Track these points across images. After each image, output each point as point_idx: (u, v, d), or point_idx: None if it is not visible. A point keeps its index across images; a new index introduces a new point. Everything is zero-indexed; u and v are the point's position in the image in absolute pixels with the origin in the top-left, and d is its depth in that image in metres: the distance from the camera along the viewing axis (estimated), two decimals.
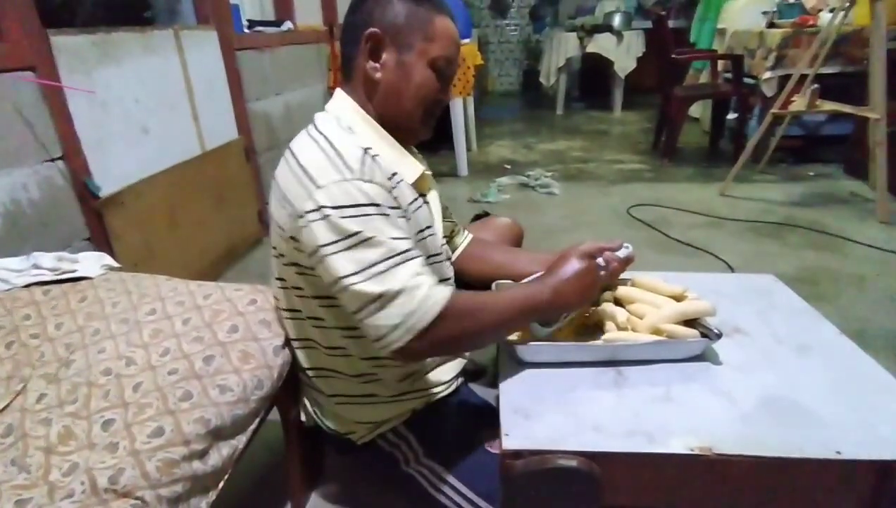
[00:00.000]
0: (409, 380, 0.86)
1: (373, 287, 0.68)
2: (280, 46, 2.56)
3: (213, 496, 0.68)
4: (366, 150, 0.75)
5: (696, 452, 0.66)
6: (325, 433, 0.89)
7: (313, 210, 0.69)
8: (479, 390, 1.22)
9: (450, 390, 0.90)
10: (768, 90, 3.02)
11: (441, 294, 0.70)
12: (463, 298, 0.74)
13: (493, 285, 0.97)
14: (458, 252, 1.06)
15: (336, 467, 1.04)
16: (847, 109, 2.40)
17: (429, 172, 0.88)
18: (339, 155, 0.72)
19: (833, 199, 2.68)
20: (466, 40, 3.13)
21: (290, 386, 0.87)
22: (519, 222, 1.23)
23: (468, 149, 3.47)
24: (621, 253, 0.94)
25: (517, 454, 0.67)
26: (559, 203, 2.81)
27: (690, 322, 0.85)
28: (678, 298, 0.89)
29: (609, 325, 0.88)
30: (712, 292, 0.93)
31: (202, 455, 0.67)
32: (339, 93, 0.83)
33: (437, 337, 0.70)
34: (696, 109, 4.18)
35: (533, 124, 4.76)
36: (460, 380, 0.94)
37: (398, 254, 0.70)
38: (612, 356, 0.82)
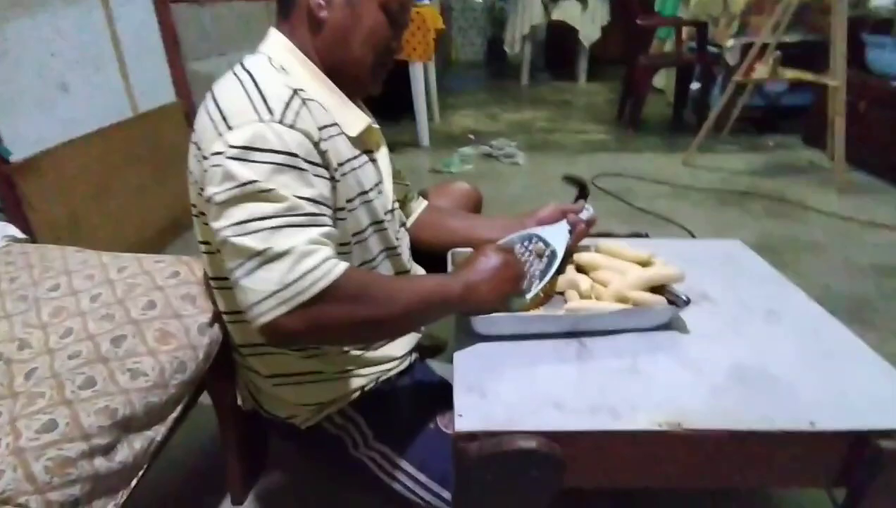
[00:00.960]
0: (355, 353, 0.78)
1: (253, 242, 0.58)
2: (222, 1, 2.37)
3: (123, 495, 0.59)
4: (296, 91, 0.65)
5: (665, 428, 0.60)
6: (266, 417, 0.80)
7: (218, 152, 0.60)
8: (438, 367, 1.16)
9: (402, 367, 0.83)
10: (731, 58, 3.00)
11: (335, 268, 0.61)
12: (361, 278, 0.65)
13: (449, 255, 0.90)
14: (411, 219, 0.98)
15: (281, 454, 0.96)
16: (808, 76, 2.39)
17: (377, 126, 0.79)
18: (262, 94, 0.62)
19: (793, 168, 2.70)
20: (426, 2, 2.98)
21: (223, 367, 0.78)
22: (478, 188, 1.15)
23: (430, 119, 3.36)
24: (584, 215, 0.88)
25: (471, 436, 0.60)
26: (523, 173, 2.75)
27: (657, 289, 0.79)
28: (644, 264, 0.84)
29: (571, 293, 0.82)
30: (677, 258, 0.88)
31: (107, 450, 0.57)
32: (274, 32, 0.73)
33: (317, 318, 0.60)
34: (659, 80, 4.16)
35: (497, 94, 4.66)
36: (414, 356, 0.87)
37: (300, 215, 0.60)
38: (575, 327, 0.76)
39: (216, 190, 0.60)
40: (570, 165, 2.83)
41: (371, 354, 0.79)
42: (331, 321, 0.61)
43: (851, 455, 0.62)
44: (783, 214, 2.17)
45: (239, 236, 0.59)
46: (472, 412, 0.63)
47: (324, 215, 0.64)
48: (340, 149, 0.70)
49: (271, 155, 0.60)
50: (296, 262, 0.58)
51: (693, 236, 1.92)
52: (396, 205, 0.88)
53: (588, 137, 3.35)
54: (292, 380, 0.76)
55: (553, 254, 0.82)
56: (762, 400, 0.65)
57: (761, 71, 2.48)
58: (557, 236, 0.85)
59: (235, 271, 0.60)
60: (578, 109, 4.20)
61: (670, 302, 0.77)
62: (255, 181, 0.59)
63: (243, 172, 0.59)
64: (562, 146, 3.17)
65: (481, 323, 0.75)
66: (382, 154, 0.82)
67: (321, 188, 0.65)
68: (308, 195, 0.62)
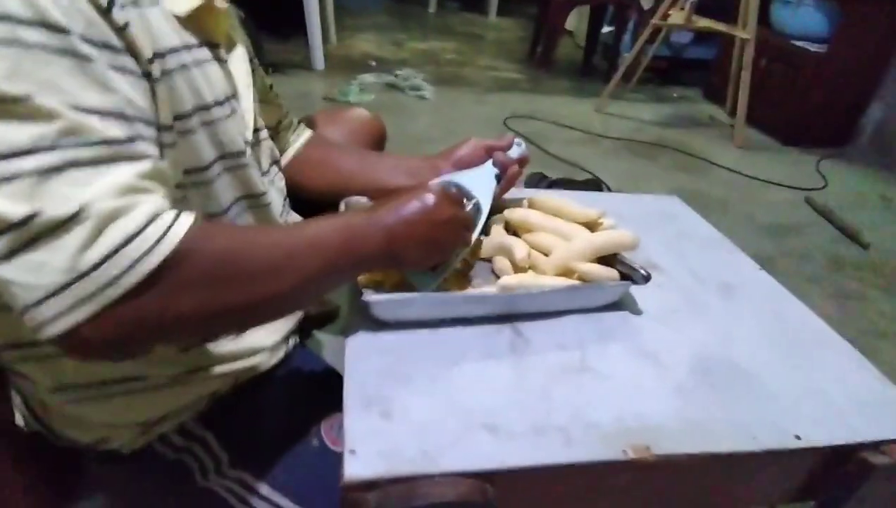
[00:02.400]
0: (200, 349, 0.53)
1: (10, 204, 0.32)
2: None
3: None
4: None
5: (632, 456, 0.45)
6: (58, 444, 0.54)
7: None
8: (328, 341, 0.93)
9: (274, 360, 0.60)
10: (646, 2, 2.92)
11: (171, 231, 0.36)
12: (222, 242, 0.41)
13: (342, 205, 0.67)
14: (289, 154, 0.72)
15: (104, 480, 0.70)
16: (720, 26, 2.35)
17: (224, 6, 0.51)
18: None
19: (695, 121, 2.72)
20: None
21: None
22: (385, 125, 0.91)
23: (326, 40, 2.94)
24: (513, 153, 0.68)
25: (369, 484, 0.41)
26: (431, 109, 2.50)
27: (605, 259, 0.63)
28: (591, 226, 0.67)
29: (501, 262, 0.64)
30: (614, 216, 0.72)
31: None
32: None
33: (149, 319, 0.36)
34: (570, 23, 4.02)
35: (402, 20, 4.25)
36: (292, 342, 0.64)
37: (90, 144, 0.35)
38: (509, 309, 0.58)
39: None
40: (481, 102, 2.63)
41: (227, 347, 0.55)
42: (174, 320, 0.38)
43: (831, 468, 0.52)
44: (690, 168, 2.16)
45: None
46: (369, 445, 0.43)
47: (139, 137, 0.38)
48: (159, 30, 0.43)
49: (11, 26, 0.33)
50: (95, 232, 0.34)
51: (608, 189, 1.83)
52: (265, 134, 0.62)
53: (499, 75, 3.14)
54: (94, 393, 0.50)
55: (477, 208, 0.62)
56: (736, 405, 0.52)
57: (677, 17, 2.41)
58: (481, 182, 0.65)
59: None
60: (489, 43, 3.96)
61: (625, 277, 0.61)
62: None
63: None
64: (472, 82, 2.94)
65: (384, 307, 0.54)
66: (238, 56, 0.55)
67: (126, 91, 0.38)
68: (101, 105, 0.36)
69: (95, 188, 0.34)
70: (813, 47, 2.44)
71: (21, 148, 0.33)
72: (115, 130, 0.36)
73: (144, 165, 0.37)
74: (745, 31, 2.27)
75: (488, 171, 0.67)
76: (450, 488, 0.41)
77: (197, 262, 0.38)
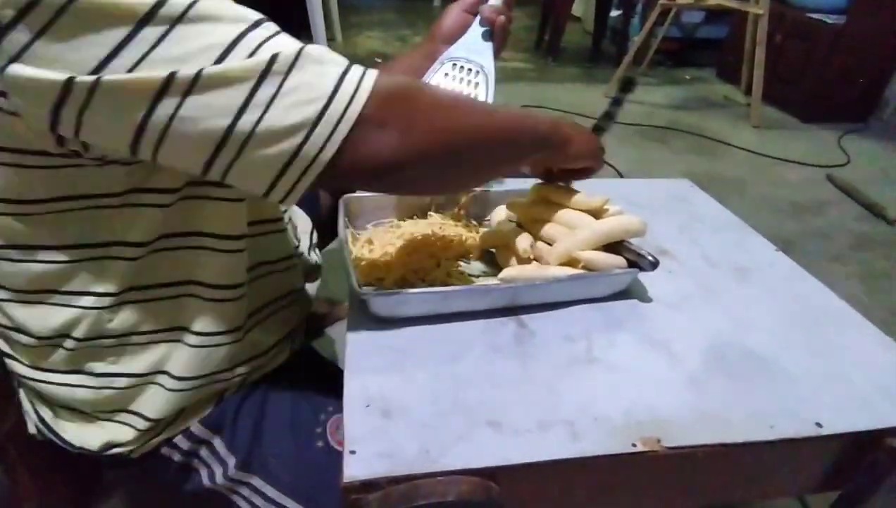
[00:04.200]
0: (207, 350, 0.53)
1: (249, 61, 0.36)
2: None
3: None
4: None
5: (641, 448, 0.43)
6: (70, 451, 0.54)
7: None
8: (337, 334, 0.93)
9: (278, 361, 0.60)
10: None
11: (371, 72, 0.41)
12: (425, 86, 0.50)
13: (342, 204, 0.66)
14: None
15: (117, 483, 0.71)
16: (732, 3, 2.29)
17: None
18: None
19: (709, 103, 2.66)
20: None
21: None
22: None
23: (331, 39, 2.95)
24: (495, 1, 0.66)
25: (369, 485, 0.40)
26: None
27: (611, 246, 0.61)
28: (596, 213, 0.65)
29: (504, 254, 0.62)
30: (624, 202, 0.70)
31: None
32: None
33: (407, 118, 0.41)
34: (577, 8, 3.96)
35: (407, 15, 4.23)
36: (297, 342, 0.64)
37: (257, 23, 0.38)
38: (513, 301, 0.57)
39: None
40: None
41: (234, 347, 0.55)
42: (424, 125, 0.42)
43: (854, 455, 0.49)
44: (705, 150, 2.11)
45: (217, 62, 0.35)
46: (370, 444, 0.42)
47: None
48: None
49: None
50: (318, 62, 0.38)
51: (620, 174, 1.79)
52: None
53: (506, 65, 3.11)
54: (99, 381, 0.50)
55: (484, 71, 0.63)
56: (753, 394, 0.50)
57: None
58: (476, 46, 0.64)
59: (239, 120, 0.36)
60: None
61: (632, 264, 0.59)
62: (162, 3, 0.34)
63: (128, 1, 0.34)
64: None
65: (384, 303, 0.53)
66: None
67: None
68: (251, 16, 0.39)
69: (293, 44, 0.38)
70: (830, 19, 2.36)
71: (226, 42, 0.36)
72: (255, 15, 0.39)
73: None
74: (757, 7, 2.21)
75: (478, 32, 0.65)
76: (452, 487, 0.40)
77: (419, 87, 0.45)
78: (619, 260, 0.59)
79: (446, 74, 0.63)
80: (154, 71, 0.34)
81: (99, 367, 0.50)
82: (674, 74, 3.06)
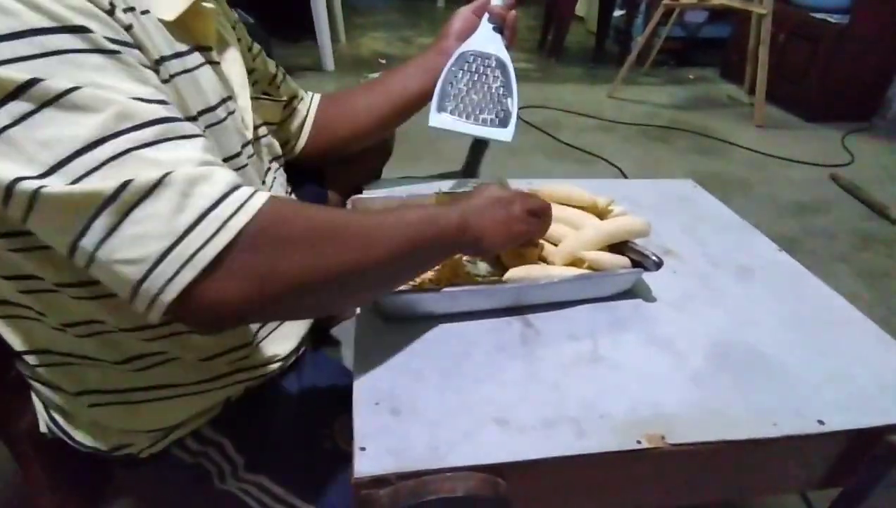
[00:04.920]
0: (222, 358, 0.54)
1: (95, 183, 0.33)
2: None
3: None
4: None
5: (645, 445, 0.44)
6: (81, 451, 0.55)
7: None
8: (346, 341, 0.94)
9: (286, 364, 0.60)
10: None
11: (254, 197, 0.37)
12: (310, 206, 0.44)
13: (349, 204, 0.67)
14: (309, 124, 0.74)
15: (128, 483, 0.71)
16: (735, 2, 2.29)
17: (211, 6, 0.50)
18: None
19: (713, 102, 2.66)
20: None
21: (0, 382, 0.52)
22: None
23: (335, 40, 2.96)
24: (497, 0, 0.68)
25: (379, 480, 0.41)
26: None
27: (616, 246, 0.62)
28: (601, 214, 0.66)
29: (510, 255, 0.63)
30: (629, 203, 0.71)
31: None
32: None
33: (262, 271, 0.37)
34: (581, 8, 3.96)
35: (411, 16, 4.25)
36: (304, 345, 0.64)
37: (150, 123, 0.35)
38: (518, 301, 0.57)
39: None
40: None
41: (243, 356, 0.55)
42: (278, 279, 0.38)
43: (856, 452, 0.50)
44: (708, 150, 2.11)
45: (52, 188, 0.33)
46: (379, 442, 0.43)
47: (183, 120, 0.38)
48: (153, 38, 0.43)
49: (37, 38, 0.33)
50: (182, 196, 0.34)
51: (623, 174, 1.80)
52: (263, 131, 0.62)
53: None
54: (116, 399, 0.51)
55: (500, 62, 0.65)
56: (756, 392, 0.50)
57: None
58: (488, 41, 0.67)
59: (80, 242, 0.34)
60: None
61: (636, 264, 0.60)
62: (36, 81, 0.32)
63: (3, 72, 0.32)
64: None
65: (390, 302, 0.54)
66: (231, 56, 0.55)
67: (155, 81, 0.39)
68: (140, 92, 0.36)
69: (172, 159, 0.35)
70: (833, 18, 2.36)
71: (91, 138, 0.33)
72: (161, 111, 0.36)
73: (201, 141, 0.38)
74: (761, 6, 2.21)
75: (487, 28, 0.67)
76: (460, 483, 0.41)
77: (294, 223, 0.39)
78: (623, 260, 0.60)
79: (464, 67, 0.65)
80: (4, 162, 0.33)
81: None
82: (677, 74, 3.06)
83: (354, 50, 3.18)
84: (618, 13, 3.36)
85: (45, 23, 0.34)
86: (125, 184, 0.33)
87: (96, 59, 0.35)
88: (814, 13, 2.44)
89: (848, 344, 0.57)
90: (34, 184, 0.33)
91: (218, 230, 0.35)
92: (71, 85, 0.33)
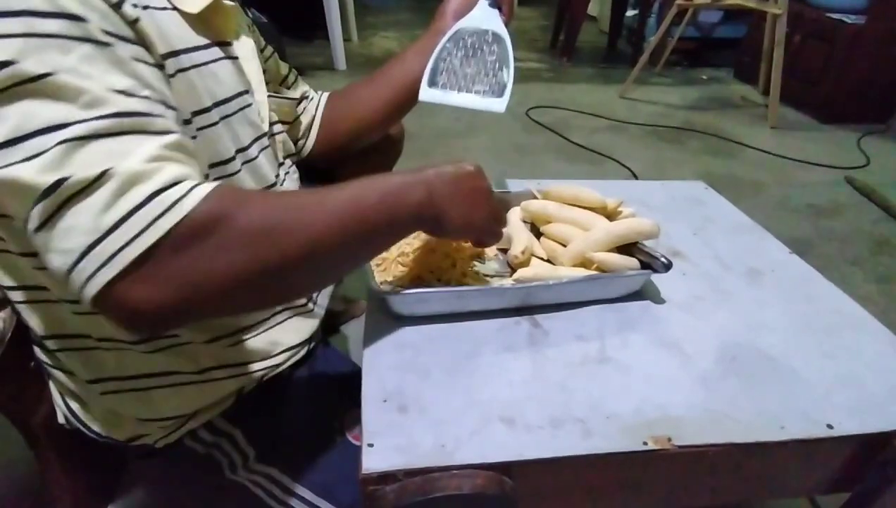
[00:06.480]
0: (228, 341, 0.54)
1: (35, 173, 0.33)
2: None
3: None
4: None
5: (652, 446, 0.44)
6: (99, 441, 0.56)
7: None
8: (354, 337, 0.95)
9: (296, 357, 0.61)
10: None
11: (192, 193, 0.36)
12: (256, 198, 0.41)
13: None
14: (317, 124, 0.75)
15: (142, 473, 0.73)
16: (750, 3, 2.27)
17: (232, 3, 0.52)
18: None
19: (726, 103, 2.63)
20: None
21: (19, 371, 0.54)
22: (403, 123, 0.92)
23: (347, 39, 2.97)
24: None
25: (386, 477, 0.41)
26: None
27: (625, 248, 0.62)
28: (610, 215, 0.66)
29: (517, 253, 0.63)
30: (638, 204, 0.71)
31: None
32: None
33: (186, 274, 0.36)
34: (593, 8, 3.94)
35: (422, 15, 4.25)
36: (315, 340, 0.65)
37: (116, 115, 0.35)
38: (526, 301, 0.58)
39: None
40: None
41: (253, 343, 0.57)
42: (207, 281, 0.36)
43: (865, 457, 0.50)
44: (720, 151, 2.10)
45: (10, 164, 0.33)
46: (387, 438, 0.44)
47: (161, 116, 0.39)
48: (171, 31, 0.44)
49: (29, 19, 0.34)
50: (117, 193, 0.34)
51: (635, 175, 1.79)
52: (278, 127, 0.63)
53: (521, 66, 3.11)
54: (131, 385, 0.52)
55: (496, 36, 0.64)
56: (764, 395, 0.50)
57: None
58: (485, 17, 0.65)
59: (27, 223, 0.35)
60: (510, 35, 3.92)
61: (645, 265, 0.60)
62: (10, 62, 0.33)
63: None
64: None
65: (403, 301, 0.54)
66: (248, 52, 0.56)
67: (146, 76, 0.39)
68: (121, 85, 0.36)
69: (123, 151, 0.35)
70: (849, 19, 2.33)
71: (47, 124, 0.34)
72: (136, 105, 0.37)
73: (170, 138, 0.38)
74: (776, 6, 2.18)
75: (484, 4, 0.66)
76: (467, 480, 0.41)
77: (228, 222, 0.37)
78: (632, 262, 0.60)
79: (459, 44, 0.64)
80: None
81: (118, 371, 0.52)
82: (690, 74, 3.03)
83: (366, 49, 3.19)
84: (630, 13, 3.34)
85: (42, 6, 0.35)
86: (65, 178, 0.33)
87: (85, 47, 0.36)
88: (829, 13, 2.40)
89: (858, 348, 0.57)
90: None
91: (143, 230, 0.34)
92: (45, 70, 0.34)
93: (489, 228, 0.53)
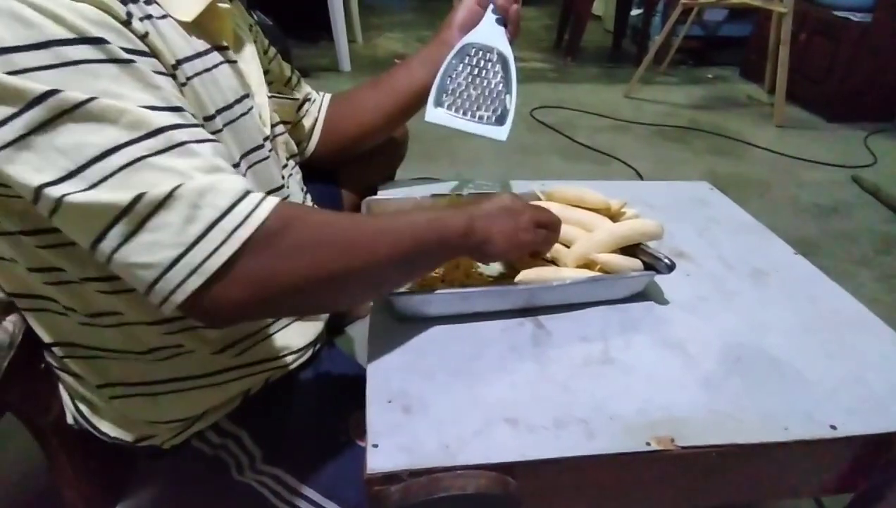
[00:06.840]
0: (234, 350, 0.55)
1: (110, 195, 0.36)
2: None
3: None
4: None
5: (655, 447, 0.44)
6: (107, 442, 0.57)
7: None
8: (359, 338, 0.95)
9: (302, 359, 0.62)
10: None
11: (262, 205, 0.40)
12: (316, 212, 0.48)
13: (364, 205, 0.68)
14: (319, 126, 0.75)
15: (151, 474, 0.74)
16: (755, 1, 2.26)
17: (226, 5, 0.51)
18: None
19: (732, 102, 2.63)
20: None
21: (30, 374, 0.54)
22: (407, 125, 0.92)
23: (351, 40, 2.98)
24: None
25: (391, 477, 0.42)
26: None
27: (628, 249, 0.62)
28: (613, 216, 0.66)
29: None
30: (642, 205, 0.71)
31: None
32: None
33: (263, 279, 0.40)
34: (598, 7, 3.93)
35: (427, 15, 4.25)
36: (321, 341, 0.66)
37: (158, 131, 0.37)
38: (530, 302, 0.58)
39: None
40: None
41: (259, 348, 0.57)
42: (281, 284, 0.42)
43: (869, 458, 0.50)
44: (726, 150, 2.09)
45: (72, 195, 0.35)
46: (391, 439, 0.44)
47: (194, 124, 0.41)
48: (172, 41, 0.44)
49: (57, 49, 0.35)
50: (192, 207, 0.37)
51: (640, 175, 1.79)
52: (280, 129, 0.64)
53: (525, 66, 3.11)
54: (137, 391, 0.53)
55: (502, 56, 0.66)
56: (767, 396, 0.50)
57: None
58: (491, 32, 0.67)
59: (99, 244, 0.37)
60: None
61: (648, 267, 0.60)
62: (55, 92, 0.34)
63: (20, 86, 0.34)
64: None
65: (408, 302, 0.55)
66: (248, 55, 0.57)
67: (168, 88, 0.41)
68: (152, 101, 0.38)
69: (182, 167, 0.38)
70: (856, 17, 2.31)
71: (102, 150, 0.36)
72: (172, 118, 0.39)
73: (213, 146, 0.41)
74: (782, 4, 2.17)
75: (491, 20, 0.67)
76: (471, 480, 0.42)
77: (298, 230, 0.42)
78: (635, 263, 0.60)
79: (465, 61, 0.66)
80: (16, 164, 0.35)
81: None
82: (695, 74, 3.02)
83: (371, 50, 3.20)
84: (635, 12, 3.33)
85: (66, 34, 0.36)
86: (140, 195, 0.36)
87: (111, 69, 0.37)
88: (836, 11, 2.39)
89: (862, 349, 0.57)
90: (57, 191, 0.35)
91: (224, 241, 0.38)
92: (87, 96, 0.35)
93: (533, 238, 0.56)
